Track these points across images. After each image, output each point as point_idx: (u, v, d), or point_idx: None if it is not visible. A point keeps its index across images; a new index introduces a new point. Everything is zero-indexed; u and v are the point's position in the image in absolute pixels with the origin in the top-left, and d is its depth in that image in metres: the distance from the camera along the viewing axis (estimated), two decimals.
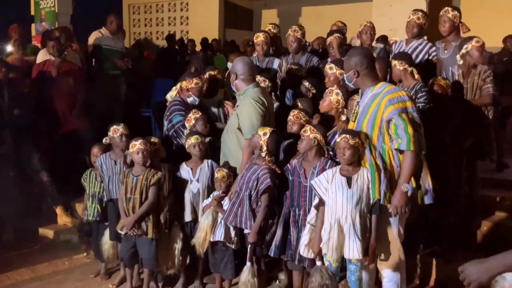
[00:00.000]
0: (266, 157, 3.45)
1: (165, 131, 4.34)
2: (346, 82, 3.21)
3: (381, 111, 2.97)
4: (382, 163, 3.00)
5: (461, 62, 4.07)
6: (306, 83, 4.33)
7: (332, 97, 3.70)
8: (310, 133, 3.32)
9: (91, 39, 6.40)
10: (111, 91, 6.35)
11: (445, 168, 3.67)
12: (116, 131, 4.00)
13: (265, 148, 3.44)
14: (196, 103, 4.39)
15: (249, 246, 3.49)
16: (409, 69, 3.96)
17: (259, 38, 4.88)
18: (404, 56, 4.10)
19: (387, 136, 2.99)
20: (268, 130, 3.46)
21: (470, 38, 4.05)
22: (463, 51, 4.02)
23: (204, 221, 3.71)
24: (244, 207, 3.47)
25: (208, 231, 3.67)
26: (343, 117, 3.69)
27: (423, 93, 3.81)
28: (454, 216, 3.88)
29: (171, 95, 4.48)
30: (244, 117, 3.67)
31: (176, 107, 4.28)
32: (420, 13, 4.53)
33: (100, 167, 4.06)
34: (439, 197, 3.15)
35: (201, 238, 3.69)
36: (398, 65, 3.97)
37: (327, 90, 3.83)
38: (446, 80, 3.87)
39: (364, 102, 3.10)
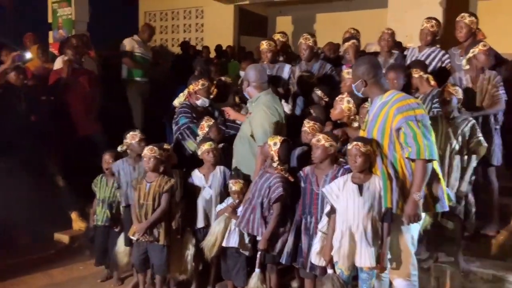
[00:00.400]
0: (278, 166, 3.45)
1: (174, 134, 4.39)
2: (355, 91, 3.20)
3: (390, 120, 2.96)
4: (394, 172, 2.97)
5: (467, 67, 4.05)
6: (319, 92, 4.32)
7: (343, 105, 3.70)
8: (325, 142, 3.30)
9: (126, 45, 6.47)
10: (139, 98, 6.45)
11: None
12: (134, 137, 4.05)
13: (276, 158, 3.44)
14: (207, 105, 4.42)
15: (259, 253, 3.49)
16: (425, 76, 3.99)
17: (262, 46, 4.88)
18: (418, 64, 4.12)
19: (398, 144, 2.97)
20: (278, 139, 3.46)
21: (476, 42, 4.05)
22: (470, 55, 4.02)
23: (216, 227, 3.71)
24: (256, 214, 3.48)
25: (218, 237, 3.67)
26: (355, 124, 3.68)
27: (436, 100, 3.82)
28: (467, 224, 3.83)
29: (179, 101, 4.51)
30: (257, 124, 3.68)
31: (182, 109, 4.33)
32: (434, 21, 4.53)
33: (117, 173, 4.09)
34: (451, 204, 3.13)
35: (211, 243, 3.70)
36: (413, 73, 4.03)
37: (337, 98, 3.83)
38: (455, 87, 3.85)
39: (373, 111, 3.09)
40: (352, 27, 5.75)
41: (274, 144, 3.45)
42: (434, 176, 3.01)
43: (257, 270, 3.51)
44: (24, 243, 4.97)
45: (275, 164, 3.46)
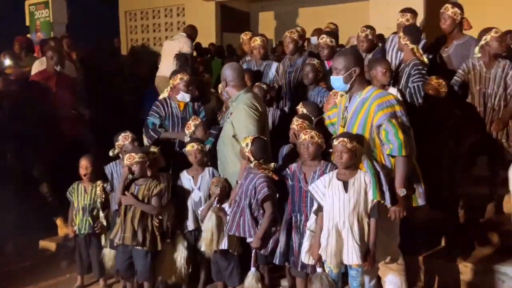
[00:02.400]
0: (262, 165, 3.39)
1: None
2: (342, 83, 3.14)
3: (371, 117, 2.98)
4: (378, 165, 2.99)
5: (480, 54, 4.03)
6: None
7: (337, 99, 3.64)
8: (318, 139, 3.25)
9: (189, 46, 6.31)
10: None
11: (440, 168, 3.66)
12: (127, 137, 3.98)
13: (252, 158, 3.38)
14: (187, 100, 4.37)
15: (253, 251, 3.45)
16: (410, 46, 4.00)
17: (256, 42, 4.84)
18: (410, 32, 4.08)
19: (377, 140, 3.00)
20: (249, 139, 3.41)
21: (488, 29, 4.03)
22: (482, 42, 4.01)
23: (208, 223, 3.61)
24: (246, 216, 3.41)
25: (214, 231, 3.57)
26: None
27: (415, 71, 3.87)
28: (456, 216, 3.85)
29: (162, 96, 4.55)
30: (240, 124, 3.62)
31: (154, 104, 4.40)
32: (409, 14, 4.51)
33: (110, 176, 4.01)
34: (438, 197, 3.16)
35: (208, 240, 3.59)
36: (401, 39, 4.06)
37: (331, 92, 3.80)
38: (439, 80, 3.84)
39: (353, 108, 3.09)
40: (331, 22, 5.74)
41: (247, 145, 3.40)
42: (414, 171, 3.04)
43: (252, 269, 3.46)
44: (10, 251, 4.89)
45: (252, 165, 3.40)
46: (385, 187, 2.93)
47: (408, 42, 4.00)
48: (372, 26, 4.84)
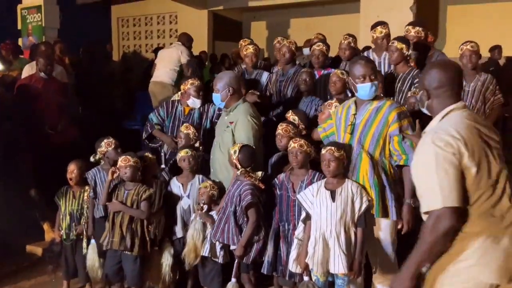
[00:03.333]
0: (249, 173, 3.40)
1: None
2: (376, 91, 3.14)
3: (388, 125, 2.99)
4: (386, 178, 3.01)
5: (460, 63, 4.13)
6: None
7: (332, 110, 3.69)
8: (306, 148, 3.28)
9: (187, 55, 6.53)
10: None
11: None
12: (110, 144, 3.96)
13: (239, 166, 3.40)
14: (198, 106, 4.35)
15: (235, 262, 3.45)
16: (406, 53, 4.08)
17: (249, 50, 4.83)
18: (407, 44, 4.12)
19: (387, 150, 3.02)
20: (237, 147, 3.43)
21: (467, 42, 4.17)
22: (460, 51, 4.14)
23: (189, 232, 3.64)
24: (230, 223, 3.42)
25: (196, 241, 3.58)
26: None
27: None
28: None
29: (172, 99, 4.60)
30: (241, 134, 3.61)
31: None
32: (386, 25, 4.60)
33: (93, 183, 3.98)
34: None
35: (190, 248, 3.60)
36: (403, 50, 4.05)
37: (326, 103, 3.81)
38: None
39: (365, 116, 3.07)
40: (319, 33, 5.80)
41: (234, 152, 3.42)
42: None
43: (233, 279, 3.46)
44: None
45: (238, 172, 3.42)
46: (390, 202, 2.97)
47: (407, 53, 4.08)
48: (353, 34, 4.92)
